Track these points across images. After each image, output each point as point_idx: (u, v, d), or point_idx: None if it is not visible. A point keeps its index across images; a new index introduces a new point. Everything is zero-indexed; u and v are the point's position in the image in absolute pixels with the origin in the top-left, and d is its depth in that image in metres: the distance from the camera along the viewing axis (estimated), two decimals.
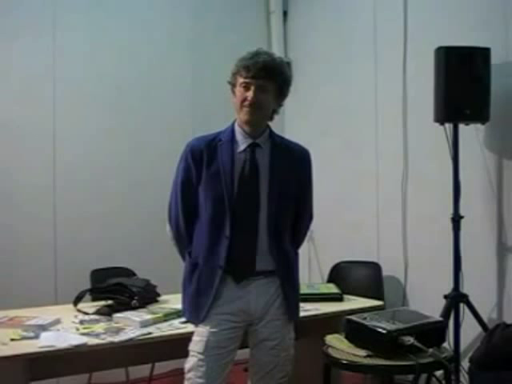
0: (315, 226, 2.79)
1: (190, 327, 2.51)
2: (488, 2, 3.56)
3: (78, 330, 2.65)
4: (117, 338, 2.54)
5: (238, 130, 2.40)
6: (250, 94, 2.31)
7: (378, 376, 2.88)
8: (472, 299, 3.39)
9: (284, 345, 2.39)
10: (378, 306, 3.26)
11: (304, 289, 3.26)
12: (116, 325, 2.73)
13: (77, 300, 3.12)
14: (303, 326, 2.71)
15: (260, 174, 2.36)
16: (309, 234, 2.72)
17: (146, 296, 3.15)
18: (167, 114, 4.48)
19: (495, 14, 3.50)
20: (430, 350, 2.34)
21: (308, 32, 4.82)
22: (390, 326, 2.37)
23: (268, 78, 2.32)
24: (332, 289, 3.48)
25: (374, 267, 4.09)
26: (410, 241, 3.99)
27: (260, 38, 4.84)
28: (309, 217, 2.57)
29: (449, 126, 3.46)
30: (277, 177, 2.37)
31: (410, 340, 2.31)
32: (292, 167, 2.42)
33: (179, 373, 2.51)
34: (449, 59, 3.34)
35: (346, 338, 2.54)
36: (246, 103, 2.32)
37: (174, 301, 3.00)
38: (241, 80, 2.34)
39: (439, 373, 2.51)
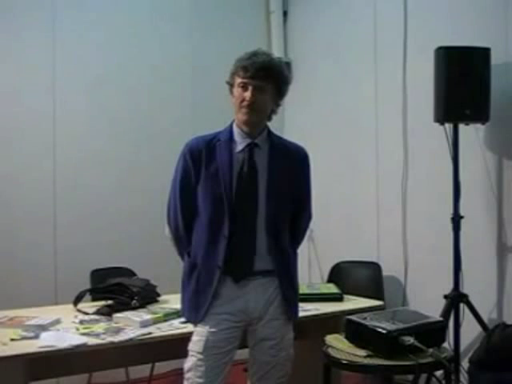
0: (315, 225, 2.79)
1: (189, 327, 2.51)
2: (488, 2, 3.55)
3: (78, 329, 2.65)
4: (117, 338, 2.54)
5: (236, 130, 2.40)
6: (248, 95, 2.31)
7: (378, 376, 2.88)
8: (472, 299, 3.39)
9: (283, 344, 2.39)
10: (378, 306, 3.26)
11: (304, 289, 3.26)
12: (116, 325, 2.73)
13: (77, 300, 3.12)
14: (303, 326, 2.72)
15: (258, 173, 2.36)
16: (309, 233, 2.72)
17: (146, 296, 3.15)
18: (167, 115, 4.48)
19: (495, 14, 3.50)
20: (430, 350, 2.34)
21: (308, 32, 4.82)
22: (390, 326, 2.37)
23: (266, 78, 2.31)
24: (332, 289, 3.47)
25: (374, 267, 4.09)
26: (410, 241, 3.99)
27: (260, 37, 4.84)
28: (308, 217, 2.57)
29: (449, 126, 3.45)
30: (275, 177, 2.37)
31: (410, 340, 2.31)
32: (290, 167, 2.42)
33: (179, 373, 2.51)
34: (449, 59, 3.34)
35: (346, 338, 2.53)
36: (244, 103, 2.32)
37: (173, 301, 3.00)
38: (239, 80, 2.33)
39: (439, 373, 2.51)
